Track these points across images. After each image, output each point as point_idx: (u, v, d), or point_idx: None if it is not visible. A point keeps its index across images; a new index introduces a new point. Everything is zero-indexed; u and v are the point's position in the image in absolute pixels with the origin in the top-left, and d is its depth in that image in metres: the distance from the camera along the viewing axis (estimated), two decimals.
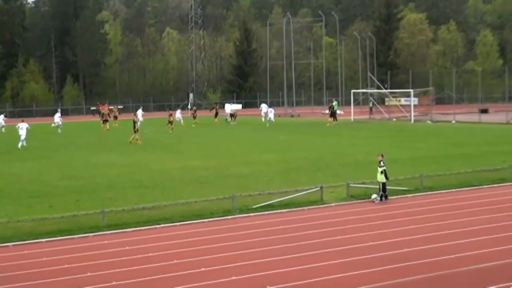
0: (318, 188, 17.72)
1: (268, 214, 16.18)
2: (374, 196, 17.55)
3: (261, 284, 10.44)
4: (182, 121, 51.96)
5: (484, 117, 49.42)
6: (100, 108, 58.06)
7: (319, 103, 74.99)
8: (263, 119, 52.93)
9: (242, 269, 11.34)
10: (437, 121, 49.33)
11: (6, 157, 30.20)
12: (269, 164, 24.98)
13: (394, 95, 62.37)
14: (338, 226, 14.64)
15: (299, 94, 79.61)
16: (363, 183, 18.51)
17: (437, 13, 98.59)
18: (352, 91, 57.93)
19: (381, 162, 17.48)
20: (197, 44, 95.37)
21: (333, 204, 17.21)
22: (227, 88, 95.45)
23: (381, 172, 17.36)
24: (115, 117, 55.07)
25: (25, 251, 13.12)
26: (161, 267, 11.63)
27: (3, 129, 49.88)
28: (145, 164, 26.08)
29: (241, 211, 16.30)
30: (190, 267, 11.57)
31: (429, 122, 49.63)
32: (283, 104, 72.80)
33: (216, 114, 54.05)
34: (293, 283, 10.47)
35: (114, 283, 10.78)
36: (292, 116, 64.10)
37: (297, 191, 17.65)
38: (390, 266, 11.28)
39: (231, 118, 53.75)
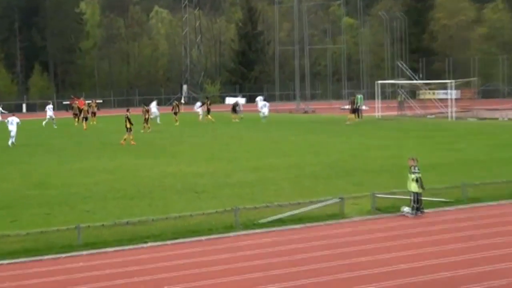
0: (338, 200, 17.68)
1: (277, 230, 16.14)
2: (405, 209, 17.45)
3: None
4: (201, 115, 54.73)
5: None
6: (75, 102, 58.31)
7: (338, 96, 74.98)
8: (261, 114, 53.74)
9: None
10: (482, 118, 49.22)
11: None
12: (278, 170, 25.03)
13: (429, 87, 62.34)
14: (362, 245, 14.56)
15: (314, 86, 79.67)
16: (392, 193, 18.44)
17: None
18: (378, 82, 57.89)
19: (414, 168, 17.37)
20: (192, 26, 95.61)
21: (355, 219, 17.17)
22: (228, 78, 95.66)
23: (415, 180, 17.24)
24: (93, 114, 55.67)
25: None
26: None
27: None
28: (130, 170, 26.15)
29: (245, 226, 16.28)
30: None
31: (472, 119, 49.53)
32: (295, 97, 72.88)
33: (208, 110, 54.24)
34: None
35: None
36: (306, 112, 64.16)
37: (312, 202, 17.59)
38: None
39: (236, 113, 54.47)
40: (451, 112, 51.26)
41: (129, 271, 13.02)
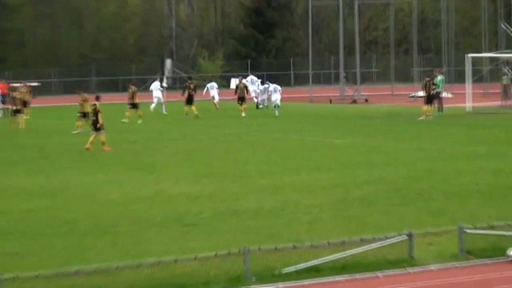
0: (404, 237, 17.55)
1: (310, 284, 16.06)
2: None
3: None
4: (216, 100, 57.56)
5: None
6: None
7: (404, 78, 74.96)
8: (256, 100, 56.70)
9: None
10: None
11: None
12: (312, 192, 25.04)
13: None
14: None
15: (367, 62, 79.75)
16: (490, 227, 18.24)
17: None
18: (469, 55, 57.51)
19: None
20: None
21: (432, 267, 17.04)
22: (236, 50, 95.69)
23: None
24: (25, 103, 55.32)
25: None
26: None
27: None
28: (82, 191, 26.20)
29: (261, 278, 16.19)
30: None
31: None
32: (337, 79, 72.85)
33: (190, 98, 53.23)
34: None
35: None
36: (355, 101, 64.22)
37: (364, 241, 17.45)
38: None
39: (242, 105, 54.72)
40: None
41: None
